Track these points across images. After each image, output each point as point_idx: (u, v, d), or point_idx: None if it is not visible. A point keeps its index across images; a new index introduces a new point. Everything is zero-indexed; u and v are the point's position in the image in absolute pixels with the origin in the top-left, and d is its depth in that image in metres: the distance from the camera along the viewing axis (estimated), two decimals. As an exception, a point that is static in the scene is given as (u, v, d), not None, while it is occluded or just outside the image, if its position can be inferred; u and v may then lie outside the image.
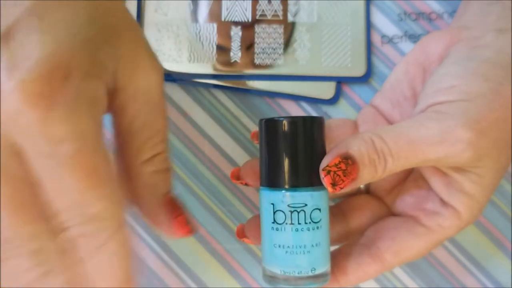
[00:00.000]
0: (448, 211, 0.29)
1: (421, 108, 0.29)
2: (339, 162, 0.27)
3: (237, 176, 0.32)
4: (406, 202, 0.32)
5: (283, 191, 0.28)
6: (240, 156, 0.38)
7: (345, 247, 0.32)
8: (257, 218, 0.31)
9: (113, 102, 0.24)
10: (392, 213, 0.33)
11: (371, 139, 0.27)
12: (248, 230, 0.32)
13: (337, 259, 0.31)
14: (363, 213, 0.33)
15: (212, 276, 0.37)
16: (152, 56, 0.26)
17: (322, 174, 0.27)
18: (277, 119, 0.28)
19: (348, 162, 0.27)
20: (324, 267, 0.29)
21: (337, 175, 0.27)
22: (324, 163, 0.27)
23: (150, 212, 0.28)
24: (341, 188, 0.27)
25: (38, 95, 0.20)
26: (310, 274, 0.28)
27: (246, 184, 0.31)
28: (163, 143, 0.27)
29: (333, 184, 0.27)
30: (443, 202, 0.30)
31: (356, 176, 0.27)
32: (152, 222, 0.28)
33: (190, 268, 0.37)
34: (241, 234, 0.32)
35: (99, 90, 0.23)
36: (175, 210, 0.27)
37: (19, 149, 0.21)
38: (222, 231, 0.37)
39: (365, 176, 0.27)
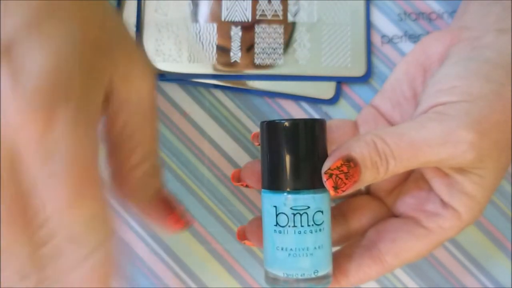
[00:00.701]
0: (449, 212, 0.29)
1: (423, 109, 0.29)
2: (341, 165, 0.27)
3: (237, 178, 0.32)
4: (406, 203, 0.32)
5: (285, 194, 0.28)
6: (240, 156, 0.38)
7: (346, 249, 0.32)
8: (257, 220, 0.31)
9: (107, 107, 0.25)
10: (392, 214, 0.33)
11: (373, 141, 0.27)
12: (249, 232, 0.32)
13: (338, 261, 0.31)
14: (364, 214, 0.33)
15: (212, 276, 0.37)
16: (143, 65, 0.26)
17: (324, 178, 0.27)
18: (278, 121, 0.28)
19: (350, 164, 0.27)
20: (326, 269, 0.29)
21: (339, 178, 0.27)
22: (326, 166, 0.27)
23: (143, 211, 0.28)
24: (343, 191, 0.27)
25: (39, 109, 0.21)
26: (313, 276, 0.28)
27: (246, 186, 0.31)
28: (152, 150, 0.27)
29: (335, 187, 0.27)
30: (444, 203, 0.30)
31: (358, 178, 0.27)
32: (147, 219, 0.29)
33: (190, 268, 0.37)
34: (242, 236, 0.32)
35: (98, 99, 0.23)
36: (167, 208, 0.28)
37: (16, 158, 0.21)
38: (222, 231, 0.37)
39: (367, 178, 0.27)
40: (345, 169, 0.27)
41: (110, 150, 0.27)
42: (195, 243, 0.37)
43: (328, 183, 0.27)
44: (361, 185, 0.27)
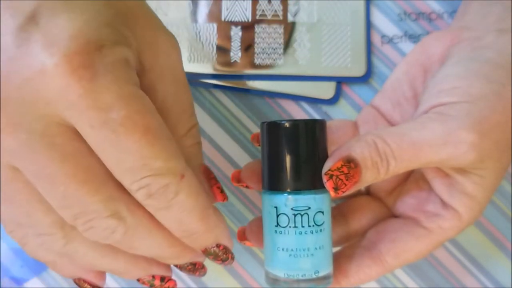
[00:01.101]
0: (449, 213, 0.29)
1: (424, 109, 0.29)
2: (342, 165, 0.27)
3: (237, 179, 0.32)
4: (406, 203, 0.32)
5: (286, 194, 0.28)
6: (240, 156, 0.38)
7: (347, 249, 0.32)
8: (257, 221, 0.31)
9: (142, 82, 0.25)
10: (392, 214, 0.33)
11: (374, 141, 0.27)
12: (249, 233, 0.32)
13: (339, 261, 0.31)
14: (364, 215, 0.33)
15: (212, 276, 0.37)
16: (169, 36, 0.26)
17: (324, 178, 0.27)
18: (278, 122, 0.28)
19: (350, 165, 0.27)
20: (327, 269, 0.29)
21: (340, 179, 0.27)
22: (326, 166, 0.27)
23: None
24: (344, 192, 0.27)
25: (81, 67, 0.21)
26: (314, 276, 0.28)
27: (247, 187, 0.31)
28: (194, 116, 0.27)
29: (336, 188, 0.27)
30: (444, 204, 0.30)
31: (358, 179, 0.27)
32: None
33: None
34: (242, 237, 0.32)
35: (130, 56, 0.23)
36: (212, 178, 0.28)
37: (71, 124, 0.22)
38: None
39: (367, 179, 0.27)
40: (345, 170, 0.27)
41: None
42: (195, 243, 0.37)
43: (328, 184, 0.27)
44: (361, 186, 0.27)
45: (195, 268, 0.29)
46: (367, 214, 0.33)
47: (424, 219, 0.30)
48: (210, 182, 0.28)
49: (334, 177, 0.27)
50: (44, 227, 0.25)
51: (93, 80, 0.21)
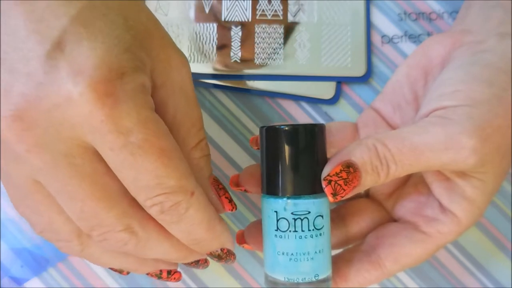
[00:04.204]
0: (448, 218, 0.29)
1: (425, 112, 0.29)
2: (341, 170, 0.27)
3: (236, 183, 0.32)
4: (405, 207, 0.32)
5: (285, 199, 0.28)
6: (240, 156, 0.38)
7: (346, 253, 0.32)
8: (256, 224, 0.31)
9: (153, 98, 0.26)
10: (391, 217, 0.33)
11: (374, 145, 0.27)
12: (248, 236, 0.32)
13: (338, 265, 0.31)
14: (363, 218, 0.33)
15: (212, 276, 0.37)
16: (179, 52, 0.27)
17: (323, 184, 0.27)
18: (278, 127, 0.28)
19: (349, 170, 0.27)
20: (326, 272, 0.29)
21: (338, 184, 0.27)
22: (325, 172, 0.27)
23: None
24: (342, 197, 0.27)
25: (104, 95, 0.22)
26: (314, 280, 0.28)
27: (245, 191, 0.31)
28: (202, 130, 0.29)
29: (334, 194, 0.27)
30: (442, 208, 0.30)
31: (358, 183, 0.27)
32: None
33: (190, 268, 0.37)
34: (241, 240, 0.32)
35: (147, 82, 0.25)
36: (221, 189, 0.29)
37: (92, 146, 0.24)
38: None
39: (367, 183, 0.27)
40: (344, 175, 0.27)
41: None
42: (195, 243, 0.37)
43: (327, 190, 0.27)
44: (361, 190, 0.27)
45: (198, 264, 0.31)
46: (366, 217, 0.33)
47: (422, 224, 0.30)
48: (219, 192, 0.29)
49: (332, 183, 0.27)
50: (63, 235, 0.27)
51: (115, 107, 0.23)
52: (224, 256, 0.30)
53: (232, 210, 0.30)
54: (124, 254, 0.28)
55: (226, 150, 0.38)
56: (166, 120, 0.26)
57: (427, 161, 0.27)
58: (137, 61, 0.24)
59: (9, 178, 0.26)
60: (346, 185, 0.27)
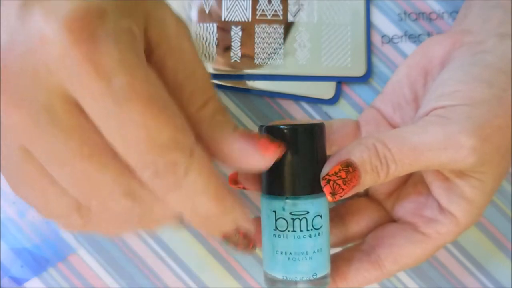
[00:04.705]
0: (446, 218, 0.29)
1: (424, 112, 0.29)
2: (339, 170, 0.27)
3: (234, 181, 0.31)
4: (405, 208, 0.32)
5: (284, 199, 0.28)
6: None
7: (346, 253, 0.32)
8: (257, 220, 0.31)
9: (150, 60, 0.23)
10: (391, 217, 0.33)
11: (374, 145, 0.27)
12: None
13: (338, 264, 0.31)
14: (362, 217, 0.33)
15: (212, 276, 0.37)
16: (175, 15, 0.25)
17: (322, 183, 0.27)
18: (277, 126, 0.28)
19: (348, 170, 0.27)
20: (325, 271, 0.29)
21: (337, 184, 0.27)
22: (324, 171, 0.27)
23: (224, 151, 0.25)
24: (341, 197, 0.27)
25: (80, 32, 0.20)
26: (312, 278, 0.28)
27: (244, 188, 0.31)
28: (211, 89, 0.25)
29: (333, 194, 0.27)
30: (441, 209, 0.30)
31: (357, 183, 0.27)
32: (228, 161, 0.25)
33: (190, 268, 0.37)
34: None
35: (135, 29, 0.22)
36: (254, 135, 0.25)
37: (72, 97, 0.21)
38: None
39: (367, 182, 0.27)
40: (343, 174, 0.27)
41: None
42: (195, 243, 0.37)
43: (325, 189, 0.27)
44: (360, 189, 0.27)
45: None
46: (365, 216, 0.33)
47: (421, 225, 0.30)
48: (254, 138, 0.25)
49: (331, 182, 0.27)
50: (60, 209, 0.24)
51: (93, 46, 0.20)
52: (241, 241, 0.26)
53: (275, 152, 0.25)
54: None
55: (226, 150, 0.38)
56: (166, 82, 0.23)
57: (427, 161, 0.27)
58: (124, 8, 0.21)
59: (3, 158, 0.23)
60: (345, 184, 0.27)
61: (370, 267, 0.30)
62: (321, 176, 0.27)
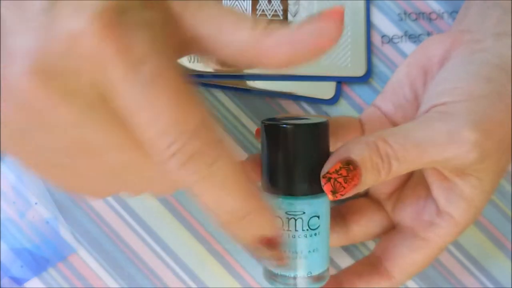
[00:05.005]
0: (444, 220, 0.29)
1: (424, 109, 0.29)
2: (340, 168, 0.26)
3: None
4: (404, 211, 0.32)
5: (280, 198, 0.28)
6: (240, 156, 0.38)
7: (356, 267, 0.32)
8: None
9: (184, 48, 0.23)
10: (391, 219, 0.33)
11: (375, 143, 0.27)
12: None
13: (349, 279, 0.31)
14: (362, 218, 0.33)
15: (212, 276, 0.37)
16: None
17: (322, 182, 0.27)
18: (278, 123, 0.27)
19: (349, 168, 0.26)
20: (321, 269, 0.29)
21: (338, 182, 0.26)
22: (324, 169, 0.27)
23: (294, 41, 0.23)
24: (342, 195, 0.27)
25: (109, 26, 0.20)
26: (306, 276, 0.28)
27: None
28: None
29: (334, 192, 0.26)
30: (439, 211, 0.30)
31: (358, 181, 0.26)
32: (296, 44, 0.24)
33: (190, 268, 0.37)
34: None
35: (158, 18, 0.22)
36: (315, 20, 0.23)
37: (104, 91, 0.21)
38: (222, 231, 0.37)
39: (368, 181, 0.27)
40: (344, 172, 0.26)
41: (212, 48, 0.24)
42: (195, 243, 0.37)
43: (326, 187, 0.27)
44: (362, 188, 0.27)
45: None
46: (366, 217, 0.33)
47: (421, 229, 0.30)
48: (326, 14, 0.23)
49: (332, 180, 0.26)
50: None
51: (123, 37, 0.20)
52: (268, 251, 0.24)
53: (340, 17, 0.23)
54: None
55: (226, 150, 0.38)
56: (204, 29, 0.23)
57: (430, 157, 0.27)
58: (144, 2, 0.22)
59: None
60: (346, 183, 0.26)
61: (380, 279, 0.31)
62: (321, 174, 0.27)
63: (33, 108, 0.21)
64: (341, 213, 0.33)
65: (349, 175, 0.26)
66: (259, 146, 0.30)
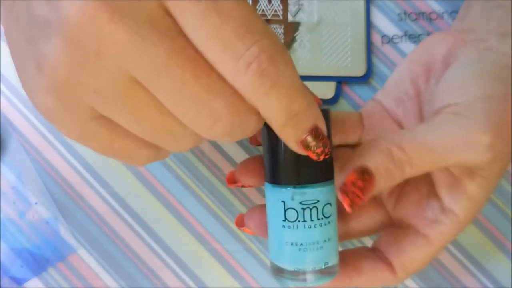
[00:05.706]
0: (448, 218, 0.29)
1: (436, 108, 0.29)
2: (356, 179, 0.26)
3: (232, 180, 0.31)
4: (406, 209, 0.32)
5: (294, 188, 0.27)
6: (240, 156, 0.38)
7: (361, 250, 0.32)
8: (258, 209, 0.31)
9: None
10: (391, 216, 0.33)
11: (388, 149, 0.27)
12: (248, 220, 0.31)
13: (352, 259, 0.31)
14: (362, 214, 0.33)
15: (212, 276, 0.37)
16: None
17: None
18: None
19: (364, 177, 0.26)
20: (334, 260, 0.28)
21: (356, 195, 0.26)
22: (340, 181, 0.27)
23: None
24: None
25: None
26: (323, 268, 0.28)
27: (242, 186, 0.31)
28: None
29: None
30: (443, 209, 0.30)
31: (372, 189, 0.26)
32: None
33: (190, 268, 0.37)
34: (240, 223, 0.31)
35: None
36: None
37: (169, 11, 0.21)
38: (222, 231, 0.37)
39: (380, 186, 0.27)
40: (360, 184, 0.26)
41: None
42: (195, 243, 0.37)
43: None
44: (374, 193, 0.27)
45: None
46: (366, 213, 0.33)
47: (423, 227, 0.30)
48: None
49: (350, 193, 0.26)
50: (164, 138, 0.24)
51: None
52: (319, 143, 0.25)
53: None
54: None
55: (225, 150, 0.38)
56: None
57: (445, 161, 0.27)
58: None
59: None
60: (363, 194, 0.26)
61: (385, 269, 0.30)
62: (338, 188, 0.27)
63: (90, 36, 0.20)
64: (340, 209, 0.33)
65: (365, 185, 0.26)
66: (263, 142, 0.30)
